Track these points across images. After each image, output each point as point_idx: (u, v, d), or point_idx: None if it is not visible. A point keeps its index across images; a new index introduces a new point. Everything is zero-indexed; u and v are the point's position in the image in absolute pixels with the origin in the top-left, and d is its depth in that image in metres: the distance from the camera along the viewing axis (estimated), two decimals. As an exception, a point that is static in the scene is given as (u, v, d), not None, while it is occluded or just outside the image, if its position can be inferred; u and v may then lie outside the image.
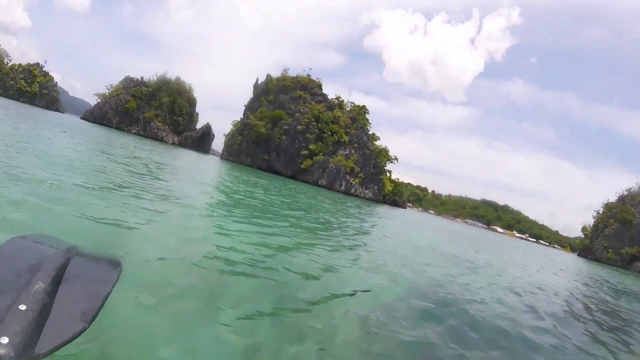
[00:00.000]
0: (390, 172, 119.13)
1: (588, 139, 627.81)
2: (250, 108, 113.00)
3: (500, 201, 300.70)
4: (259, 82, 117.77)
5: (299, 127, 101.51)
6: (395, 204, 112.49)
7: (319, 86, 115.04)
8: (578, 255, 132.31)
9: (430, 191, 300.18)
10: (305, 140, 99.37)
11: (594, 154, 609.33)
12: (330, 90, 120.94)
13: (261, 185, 33.55)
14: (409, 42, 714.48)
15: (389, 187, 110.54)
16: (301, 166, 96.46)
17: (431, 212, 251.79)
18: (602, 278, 31.92)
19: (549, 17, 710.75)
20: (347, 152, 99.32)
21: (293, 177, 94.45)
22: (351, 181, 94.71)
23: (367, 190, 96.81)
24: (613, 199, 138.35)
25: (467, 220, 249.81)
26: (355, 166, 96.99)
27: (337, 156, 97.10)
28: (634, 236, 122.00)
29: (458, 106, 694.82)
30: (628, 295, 22.00)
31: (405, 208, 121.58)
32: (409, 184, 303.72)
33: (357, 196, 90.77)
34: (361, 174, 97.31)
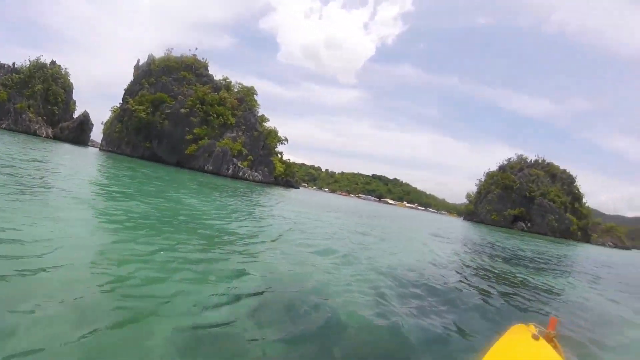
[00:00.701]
0: (281, 153, 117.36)
1: (471, 117, 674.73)
2: (131, 92, 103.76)
3: (390, 175, 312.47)
4: (141, 63, 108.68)
5: (182, 110, 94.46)
6: (288, 184, 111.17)
7: (205, 67, 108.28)
8: (464, 219, 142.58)
9: (324, 170, 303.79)
10: (190, 125, 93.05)
11: (477, 130, 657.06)
12: (222, 74, 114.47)
13: (125, 177, 29.55)
14: (305, 25, 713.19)
15: (280, 168, 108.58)
16: (186, 152, 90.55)
17: (326, 189, 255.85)
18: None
19: (439, 5, 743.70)
20: (234, 134, 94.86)
21: (179, 164, 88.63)
22: (239, 164, 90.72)
23: (256, 173, 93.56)
24: (494, 168, 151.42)
25: (360, 195, 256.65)
26: (243, 149, 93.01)
27: (224, 139, 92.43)
28: (515, 200, 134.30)
29: (350, 89, 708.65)
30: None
31: (298, 188, 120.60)
32: (303, 164, 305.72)
33: (245, 179, 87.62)
34: (250, 157, 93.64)
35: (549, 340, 2.50)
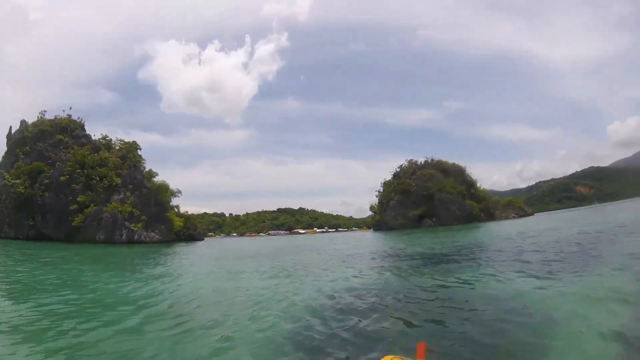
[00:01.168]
0: (177, 207, 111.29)
1: (359, 136, 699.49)
2: (5, 165, 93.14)
3: (295, 206, 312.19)
4: (13, 131, 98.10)
5: (62, 178, 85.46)
6: (192, 238, 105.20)
7: (81, 126, 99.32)
8: (373, 230, 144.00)
9: (227, 215, 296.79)
10: (73, 192, 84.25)
11: (368, 147, 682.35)
12: (101, 133, 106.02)
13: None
14: (184, 71, 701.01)
15: (179, 222, 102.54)
16: (73, 224, 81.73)
17: (234, 234, 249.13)
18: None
19: (313, 38, 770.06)
20: (122, 196, 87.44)
21: (68, 238, 79.59)
22: (132, 227, 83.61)
23: (152, 233, 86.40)
24: (389, 177, 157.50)
25: (269, 232, 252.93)
26: (134, 210, 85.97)
27: (111, 203, 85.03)
28: (415, 200, 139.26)
29: (239, 129, 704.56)
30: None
31: (203, 239, 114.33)
32: (205, 213, 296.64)
33: (143, 242, 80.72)
34: (143, 217, 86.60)
35: None
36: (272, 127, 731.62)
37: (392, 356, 2.31)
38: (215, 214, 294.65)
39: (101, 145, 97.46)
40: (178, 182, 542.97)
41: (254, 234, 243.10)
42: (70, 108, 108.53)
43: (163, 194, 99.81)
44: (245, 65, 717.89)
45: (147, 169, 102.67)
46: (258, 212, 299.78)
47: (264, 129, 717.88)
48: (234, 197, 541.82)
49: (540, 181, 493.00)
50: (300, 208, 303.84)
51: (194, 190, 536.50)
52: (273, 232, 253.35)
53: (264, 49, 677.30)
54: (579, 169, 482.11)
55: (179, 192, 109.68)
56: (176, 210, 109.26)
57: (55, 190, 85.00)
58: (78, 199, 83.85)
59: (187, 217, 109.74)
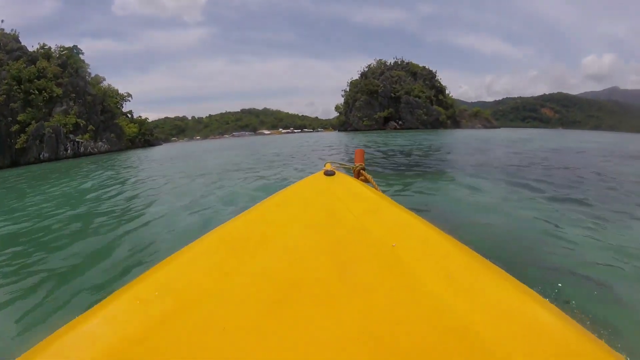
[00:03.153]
0: (130, 112, 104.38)
1: (326, 34, 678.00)
2: None
3: (259, 107, 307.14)
4: None
5: None
6: (148, 143, 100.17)
7: (15, 39, 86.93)
8: (338, 131, 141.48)
9: (190, 118, 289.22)
10: (12, 113, 75.54)
11: (334, 46, 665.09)
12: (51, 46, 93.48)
13: None
14: None
15: (133, 129, 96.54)
16: (16, 147, 74.29)
17: (197, 137, 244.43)
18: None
19: None
20: (64, 107, 79.26)
21: (14, 164, 72.79)
22: (77, 140, 77.09)
23: (100, 143, 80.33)
24: (357, 77, 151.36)
25: (234, 133, 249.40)
26: (79, 120, 78.92)
27: (53, 117, 77.47)
28: (382, 102, 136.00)
29: (197, 27, 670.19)
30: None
31: (161, 144, 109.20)
32: (167, 117, 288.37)
33: (90, 154, 74.99)
34: (90, 127, 79.82)
35: (358, 174, 2.21)
36: (233, 24, 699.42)
37: (331, 161, 2.14)
38: (177, 118, 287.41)
39: (39, 56, 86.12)
40: (135, 88, 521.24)
41: (217, 137, 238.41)
42: (2, 21, 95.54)
43: (111, 99, 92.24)
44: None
45: (93, 75, 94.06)
46: (221, 113, 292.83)
47: (223, 26, 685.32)
48: (195, 100, 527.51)
49: (507, 97, 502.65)
50: (265, 109, 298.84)
51: (153, 95, 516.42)
52: (237, 133, 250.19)
53: None
54: (547, 92, 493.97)
55: (129, 96, 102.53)
56: (129, 116, 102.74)
57: (-7, 112, 75.51)
58: (18, 118, 75.52)
59: (141, 123, 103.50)
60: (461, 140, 33.12)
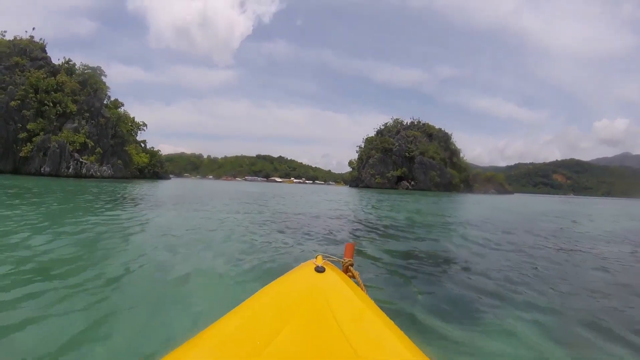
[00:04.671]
0: (144, 142, 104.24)
1: (346, 89, 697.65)
2: None
3: (275, 154, 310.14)
4: None
5: (12, 103, 75.56)
6: (157, 176, 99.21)
7: (42, 48, 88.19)
8: (350, 186, 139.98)
9: (205, 156, 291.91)
10: (23, 120, 75.60)
11: (353, 101, 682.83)
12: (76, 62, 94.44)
13: None
14: (178, 3, 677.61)
15: (143, 159, 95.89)
16: (21, 155, 73.82)
17: (210, 177, 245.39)
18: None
19: None
20: (75, 124, 79.08)
21: (15, 171, 72.17)
22: (81, 160, 76.02)
23: (104, 168, 79.02)
24: (373, 134, 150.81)
25: (246, 177, 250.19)
26: (88, 140, 78.39)
27: (62, 132, 77.23)
28: (395, 161, 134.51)
29: (226, 69, 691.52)
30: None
31: (169, 178, 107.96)
32: (183, 153, 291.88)
33: (92, 177, 73.55)
34: (99, 149, 79.28)
35: (346, 269, 2.22)
36: (260, 70, 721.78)
37: (322, 254, 2.12)
38: (193, 155, 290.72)
39: (61, 70, 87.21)
40: (157, 118, 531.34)
41: (229, 178, 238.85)
42: (34, 29, 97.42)
43: (124, 125, 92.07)
44: (242, 4, 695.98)
45: (112, 99, 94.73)
46: (237, 156, 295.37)
47: (251, 71, 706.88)
48: (213, 139, 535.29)
49: (519, 162, 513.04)
50: (280, 156, 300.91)
51: (173, 128, 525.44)
52: (250, 177, 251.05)
53: None
54: (559, 158, 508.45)
55: (144, 125, 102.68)
56: (142, 145, 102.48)
57: (4, 116, 75.29)
58: (28, 126, 75.52)
59: (152, 154, 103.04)
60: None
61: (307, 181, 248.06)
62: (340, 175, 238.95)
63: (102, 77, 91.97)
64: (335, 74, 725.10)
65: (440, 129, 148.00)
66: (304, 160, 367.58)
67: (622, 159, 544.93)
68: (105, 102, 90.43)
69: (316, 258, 2.12)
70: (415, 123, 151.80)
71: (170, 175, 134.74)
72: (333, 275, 1.90)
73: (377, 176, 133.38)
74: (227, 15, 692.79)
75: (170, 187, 40.27)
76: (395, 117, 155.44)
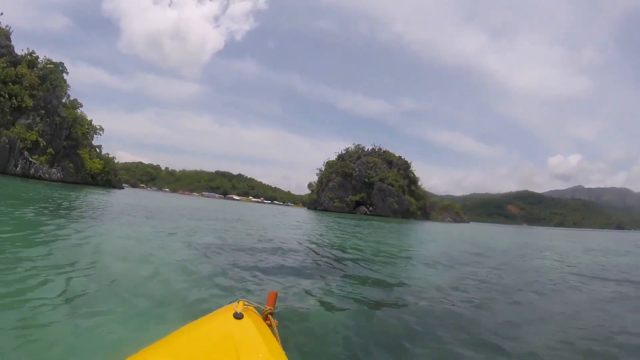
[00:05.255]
0: (99, 147, 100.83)
1: (311, 114, 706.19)
2: None
3: (234, 171, 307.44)
4: None
5: None
6: (109, 184, 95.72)
7: (6, 36, 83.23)
8: (308, 208, 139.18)
9: (163, 168, 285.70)
10: None
11: (317, 126, 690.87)
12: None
13: None
14: (153, 11, 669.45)
15: (96, 165, 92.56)
16: None
17: (166, 189, 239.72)
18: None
19: (291, 5, 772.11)
20: (30, 121, 75.43)
21: None
22: (31, 159, 72.51)
23: (54, 170, 75.60)
24: (334, 158, 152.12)
25: (203, 193, 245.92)
26: (41, 139, 74.92)
27: (15, 127, 73.43)
28: (355, 186, 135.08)
29: (193, 82, 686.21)
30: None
31: (122, 188, 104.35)
32: (141, 163, 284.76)
33: (40, 178, 70.19)
34: (50, 150, 75.96)
35: (265, 317, 2.33)
36: (227, 87, 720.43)
37: (245, 300, 2.30)
38: (150, 165, 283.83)
39: (23, 61, 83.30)
40: (119, 125, 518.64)
41: (186, 192, 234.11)
42: (1, 14, 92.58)
43: (80, 127, 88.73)
44: (217, 18, 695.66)
45: (71, 98, 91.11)
46: (195, 170, 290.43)
47: (218, 87, 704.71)
48: (172, 151, 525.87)
49: (475, 193, 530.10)
50: (239, 174, 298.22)
51: (133, 136, 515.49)
52: (207, 193, 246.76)
53: (240, 5, 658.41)
54: (514, 190, 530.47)
55: (101, 129, 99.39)
56: (97, 150, 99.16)
57: (-44, 105, 71.41)
58: (-19, 118, 71.70)
59: (107, 160, 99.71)
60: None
61: (265, 201, 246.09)
62: (300, 197, 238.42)
63: (64, 75, 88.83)
64: (301, 99, 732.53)
65: (400, 157, 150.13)
66: (264, 180, 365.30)
67: (574, 191, 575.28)
68: (64, 100, 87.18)
69: (238, 303, 2.25)
70: (376, 150, 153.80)
71: (125, 185, 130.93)
72: (250, 324, 1.97)
73: (336, 200, 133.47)
74: (200, 29, 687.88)
75: (117, 199, 38.09)
76: (356, 143, 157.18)
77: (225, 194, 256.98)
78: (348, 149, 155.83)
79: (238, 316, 2.00)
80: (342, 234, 24.06)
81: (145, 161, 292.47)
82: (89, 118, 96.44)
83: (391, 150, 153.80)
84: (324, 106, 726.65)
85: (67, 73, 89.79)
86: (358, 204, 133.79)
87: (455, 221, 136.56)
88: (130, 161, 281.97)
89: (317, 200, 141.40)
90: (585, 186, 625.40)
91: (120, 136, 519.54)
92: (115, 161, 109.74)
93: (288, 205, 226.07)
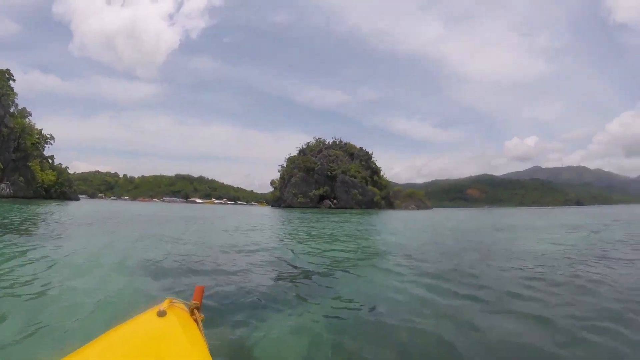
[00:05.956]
0: (51, 157, 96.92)
1: (270, 109, 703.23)
2: None
3: (195, 173, 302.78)
4: None
5: None
6: (64, 196, 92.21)
7: None
8: (272, 206, 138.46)
9: (122, 176, 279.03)
10: None
11: (277, 121, 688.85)
12: None
13: None
14: (106, 11, 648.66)
15: (49, 177, 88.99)
16: None
17: (126, 197, 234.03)
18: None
19: (246, 1, 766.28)
20: None
21: None
22: (-24, 175, 69.23)
23: (2, 185, 72.30)
24: (295, 153, 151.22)
25: (164, 198, 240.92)
26: (-13, 154, 71.61)
27: (-43, 144, 69.82)
28: (318, 180, 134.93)
29: (149, 83, 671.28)
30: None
31: (78, 199, 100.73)
32: (98, 171, 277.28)
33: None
34: (-2, 163, 72.58)
35: (192, 312, 2.34)
36: (183, 86, 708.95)
37: (171, 298, 2.30)
38: (108, 174, 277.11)
39: None
40: (74, 132, 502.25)
41: (147, 199, 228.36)
42: None
43: (29, 137, 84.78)
44: (171, 17, 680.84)
45: (19, 107, 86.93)
46: (155, 175, 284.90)
47: (174, 86, 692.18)
48: (131, 156, 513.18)
49: (436, 179, 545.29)
50: (200, 176, 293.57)
51: (90, 144, 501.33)
52: (168, 198, 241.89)
53: (195, 2, 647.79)
54: (474, 174, 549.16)
55: (51, 138, 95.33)
56: (49, 161, 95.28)
57: None
58: None
59: (60, 171, 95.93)
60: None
61: (228, 202, 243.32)
62: (263, 195, 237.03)
63: (11, 82, 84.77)
64: (260, 94, 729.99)
65: (361, 148, 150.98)
66: (226, 180, 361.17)
67: (532, 172, 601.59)
68: (11, 110, 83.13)
69: (164, 301, 2.24)
70: (337, 142, 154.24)
71: (82, 196, 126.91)
72: (173, 320, 2.02)
73: (299, 195, 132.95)
74: (155, 27, 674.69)
75: (68, 212, 36.01)
76: (317, 137, 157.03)
77: (187, 197, 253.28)
78: (309, 143, 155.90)
79: (161, 314, 2.03)
80: (292, 229, 23.63)
81: (103, 169, 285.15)
82: (38, 127, 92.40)
83: (352, 142, 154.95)
84: (284, 100, 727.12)
85: (14, 80, 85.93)
86: (322, 198, 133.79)
87: (419, 208, 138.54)
88: (87, 171, 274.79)
89: (280, 197, 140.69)
90: (543, 166, 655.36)
91: (76, 144, 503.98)
92: (71, 172, 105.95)
93: (252, 204, 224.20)
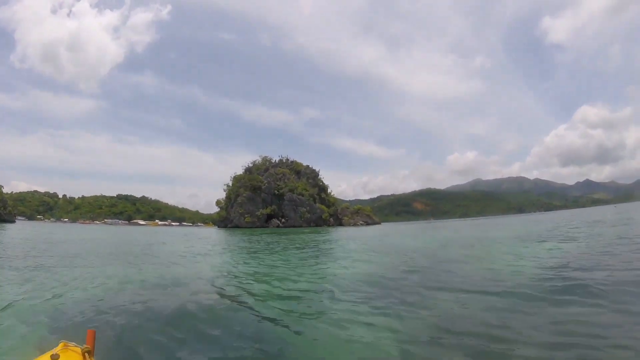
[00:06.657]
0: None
1: (215, 127, 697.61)
2: None
3: (137, 194, 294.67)
4: None
5: None
6: None
7: None
8: (219, 227, 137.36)
9: (61, 196, 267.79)
10: None
11: (221, 139, 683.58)
12: None
13: None
14: (50, 21, 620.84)
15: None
16: None
17: (65, 220, 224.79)
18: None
19: (193, 17, 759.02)
20: None
21: None
22: None
23: None
24: (241, 172, 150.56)
25: (106, 220, 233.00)
26: None
27: None
28: (265, 199, 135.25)
29: (89, 98, 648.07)
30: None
31: (14, 222, 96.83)
32: (36, 191, 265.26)
33: None
34: None
35: (84, 356, 2.37)
36: (125, 102, 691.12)
37: (65, 342, 2.37)
38: (47, 194, 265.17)
39: None
40: (11, 150, 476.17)
41: (87, 221, 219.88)
42: None
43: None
44: (116, 29, 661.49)
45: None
46: (95, 196, 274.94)
47: (116, 102, 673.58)
48: (70, 176, 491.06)
49: (382, 195, 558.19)
50: (143, 197, 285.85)
51: (26, 162, 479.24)
52: (110, 220, 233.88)
53: (142, 17, 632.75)
54: (417, 188, 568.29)
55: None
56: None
57: None
58: None
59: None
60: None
61: (173, 223, 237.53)
62: (209, 215, 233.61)
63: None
64: (205, 112, 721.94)
65: (307, 166, 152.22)
66: (170, 200, 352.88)
67: (474, 184, 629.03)
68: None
69: (59, 345, 2.30)
70: (284, 160, 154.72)
71: (20, 218, 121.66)
72: None
73: (246, 215, 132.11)
74: (100, 40, 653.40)
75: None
76: (263, 155, 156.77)
77: (129, 219, 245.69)
78: (255, 161, 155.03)
79: (55, 357, 2.11)
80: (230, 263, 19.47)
81: (42, 189, 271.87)
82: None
83: (299, 160, 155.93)
84: (228, 119, 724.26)
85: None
86: (270, 217, 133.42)
87: (368, 224, 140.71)
88: (25, 190, 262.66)
89: (227, 217, 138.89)
90: (484, 179, 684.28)
91: (13, 163, 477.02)
92: (9, 191, 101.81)
93: (198, 225, 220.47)
